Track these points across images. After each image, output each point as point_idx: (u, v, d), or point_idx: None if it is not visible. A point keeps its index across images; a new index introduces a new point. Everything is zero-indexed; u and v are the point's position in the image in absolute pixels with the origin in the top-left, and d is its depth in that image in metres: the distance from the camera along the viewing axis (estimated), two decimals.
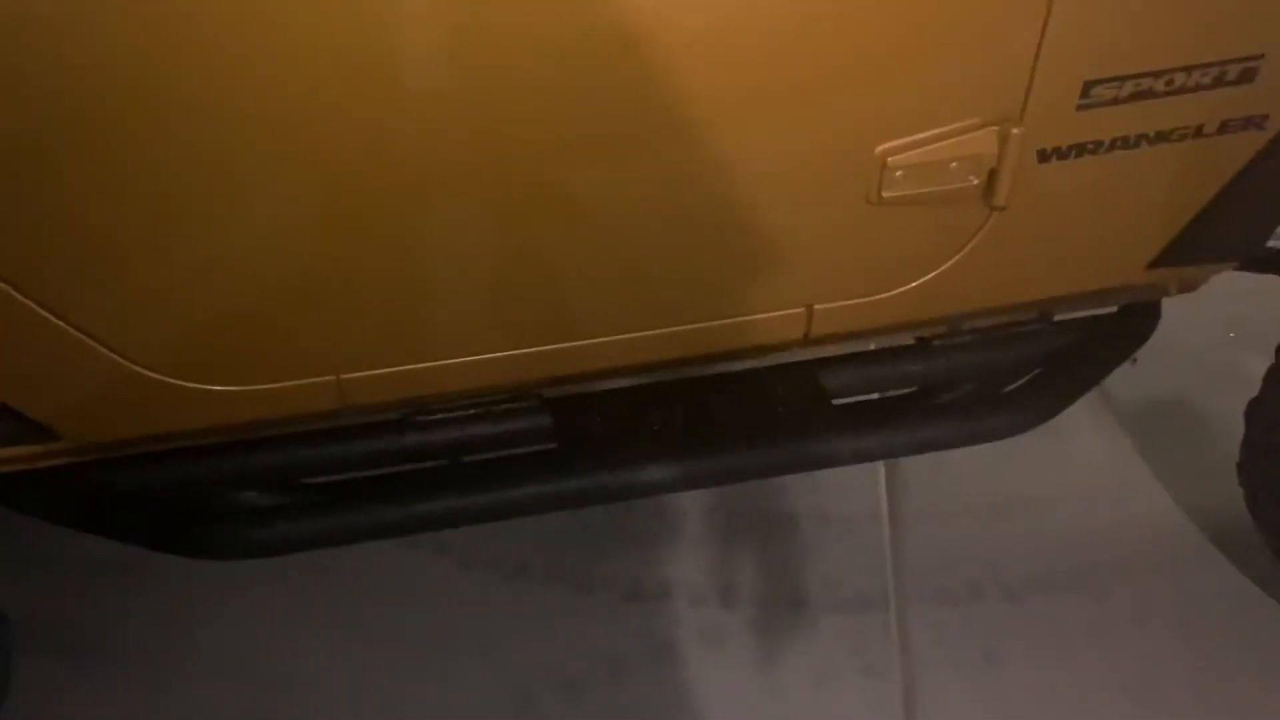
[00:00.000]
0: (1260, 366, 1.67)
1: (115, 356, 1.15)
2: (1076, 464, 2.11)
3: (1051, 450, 2.11)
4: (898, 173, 1.19)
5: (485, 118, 1.06)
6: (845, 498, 2.06)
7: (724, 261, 1.27)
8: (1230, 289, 1.68)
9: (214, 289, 1.15)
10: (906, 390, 1.51)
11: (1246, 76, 1.20)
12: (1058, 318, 1.50)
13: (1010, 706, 1.76)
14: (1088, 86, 1.17)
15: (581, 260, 1.23)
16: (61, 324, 1.11)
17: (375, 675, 1.82)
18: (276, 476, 1.36)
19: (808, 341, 1.35)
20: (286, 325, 1.20)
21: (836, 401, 1.43)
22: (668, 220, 1.21)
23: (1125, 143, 1.23)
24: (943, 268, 1.30)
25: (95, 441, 1.23)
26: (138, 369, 1.17)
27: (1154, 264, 1.38)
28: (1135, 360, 2.16)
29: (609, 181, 1.16)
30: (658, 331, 1.31)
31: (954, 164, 1.19)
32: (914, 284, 1.31)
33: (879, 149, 1.17)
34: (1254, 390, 1.66)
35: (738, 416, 1.42)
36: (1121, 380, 2.16)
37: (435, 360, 1.26)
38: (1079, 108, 1.18)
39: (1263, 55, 1.18)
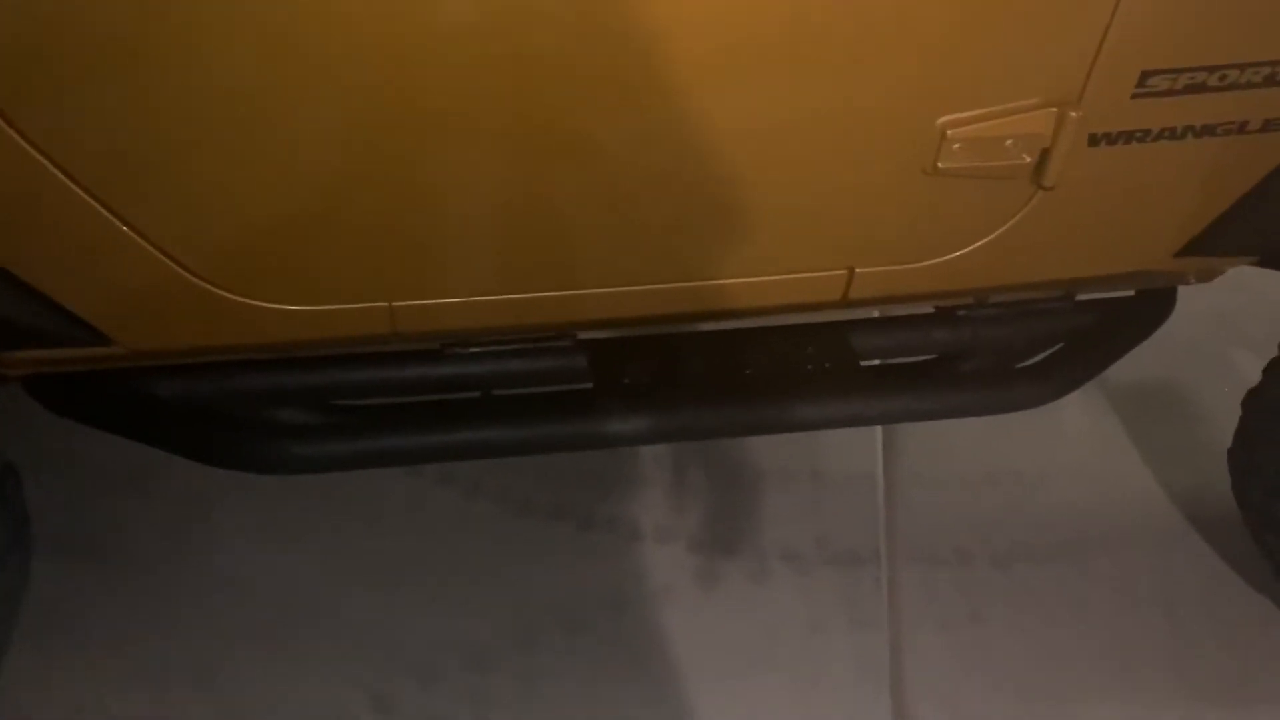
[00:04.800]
0: (1246, 359, 1.73)
1: (175, 266, 1.16)
2: (1067, 441, 2.18)
3: (1043, 426, 2.17)
4: (955, 145, 1.22)
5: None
6: (841, 457, 2.11)
7: (774, 218, 1.29)
8: (1223, 280, 1.73)
9: (271, 204, 1.15)
10: (926, 357, 1.55)
11: None
12: (1079, 298, 1.54)
13: (993, 665, 1.83)
14: (1145, 76, 1.20)
15: (628, 206, 1.25)
16: (123, 226, 1.12)
17: (379, 602, 1.85)
18: (316, 396, 1.38)
19: (844, 303, 1.38)
20: (341, 247, 1.21)
21: (864, 363, 1.47)
22: (721, 172, 1.23)
23: (1171, 133, 1.27)
24: (983, 240, 1.33)
25: (145, 349, 1.24)
26: (195, 280, 1.18)
27: (1180, 252, 1.43)
28: None
29: (663, 127, 1.17)
30: (700, 283, 1.34)
31: (1010, 141, 1.23)
32: (954, 254, 1.34)
33: (940, 120, 1.20)
34: (1242, 381, 1.73)
35: (770, 371, 1.45)
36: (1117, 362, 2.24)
37: (486, 295, 1.28)
38: (1134, 96, 1.22)
39: None
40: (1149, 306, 1.58)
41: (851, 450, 2.12)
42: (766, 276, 1.34)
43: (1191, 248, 1.43)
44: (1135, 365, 2.14)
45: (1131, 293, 1.60)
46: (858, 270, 1.35)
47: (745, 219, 1.28)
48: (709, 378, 1.45)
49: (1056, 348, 1.53)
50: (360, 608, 1.84)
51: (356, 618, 1.83)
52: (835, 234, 1.32)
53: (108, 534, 1.91)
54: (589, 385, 1.42)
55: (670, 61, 1.11)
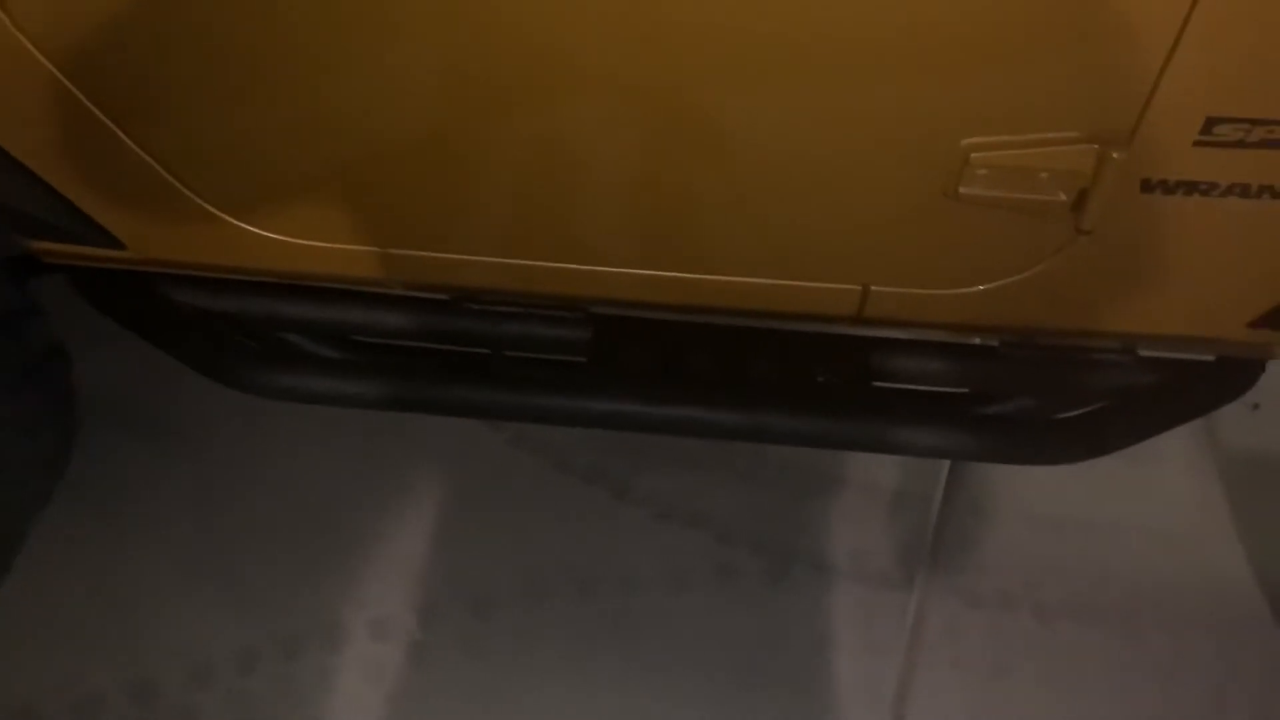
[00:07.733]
0: None
1: (179, 186, 1.21)
2: (1158, 499, 1.99)
3: (1136, 478, 2.00)
4: (980, 171, 1.11)
5: None
6: (901, 472, 2.01)
7: (786, 222, 1.22)
8: None
9: (273, 141, 1.18)
10: (955, 390, 1.44)
11: None
12: (1145, 353, 1.40)
13: None
14: (1210, 123, 1.06)
15: (637, 188, 1.21)
16: (139, 150, 1.17)
17: (401, 532, 1.90)
18: (324, 328, 1.41)
19: (859, 321, 1.30)
20: (341, 189, 1.22)
21: (877, 384, 1.38)
22: (735, 169, 1.17)
23: (1244, 191, 1.12)
24: (1012, 278, 1.22)
25: (154, 258, 1.30)
26: (198, 201, 1.22)
27: (1256, 323, 1.27)
28: (1258, 406, 2.01)
29: (665, 121, 1.13)
30: (706, 277, 1.28)
31: (1044, 174, 1.11)
32: (979, 288, 1.24)
33: (965, 142, 1.10)
34: None
35: (775, 376, 1.39)
36: (1235, 424, 2.02)
37: (485, 256, 1.27)
38: (1196, 143, 1.08)
39: None
40: (1222, 377, 1.40)
41: (913, 468, 2.01)
42: (774, 280, 1.27)
43: (1273, 320, 1.27)
44: (1258, 430, 1.94)
45: (1212, 358, 1.43)
46: (873, 288, 1.26)
47: (753, 218, 1.22)
48: (711, 375, 1.40)
49: (1099, 404, 1.39)
50: (380, 534, 1.89)
51: (374, 544, 1.88)
52: (848, 246, 1.23)
53: (184, 421, 2.01)
54: (584, 359, 1.40)
55: (673, 57, 1.06)
